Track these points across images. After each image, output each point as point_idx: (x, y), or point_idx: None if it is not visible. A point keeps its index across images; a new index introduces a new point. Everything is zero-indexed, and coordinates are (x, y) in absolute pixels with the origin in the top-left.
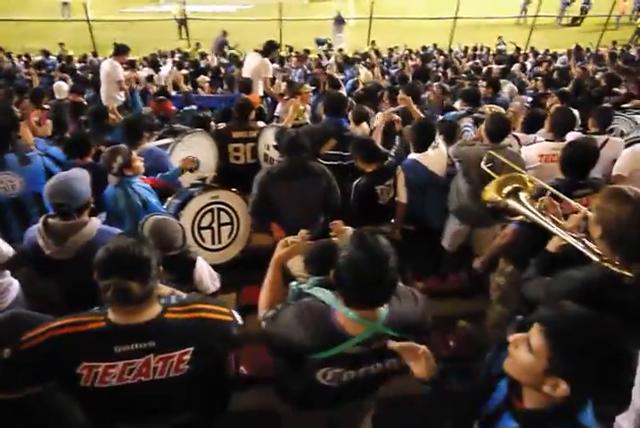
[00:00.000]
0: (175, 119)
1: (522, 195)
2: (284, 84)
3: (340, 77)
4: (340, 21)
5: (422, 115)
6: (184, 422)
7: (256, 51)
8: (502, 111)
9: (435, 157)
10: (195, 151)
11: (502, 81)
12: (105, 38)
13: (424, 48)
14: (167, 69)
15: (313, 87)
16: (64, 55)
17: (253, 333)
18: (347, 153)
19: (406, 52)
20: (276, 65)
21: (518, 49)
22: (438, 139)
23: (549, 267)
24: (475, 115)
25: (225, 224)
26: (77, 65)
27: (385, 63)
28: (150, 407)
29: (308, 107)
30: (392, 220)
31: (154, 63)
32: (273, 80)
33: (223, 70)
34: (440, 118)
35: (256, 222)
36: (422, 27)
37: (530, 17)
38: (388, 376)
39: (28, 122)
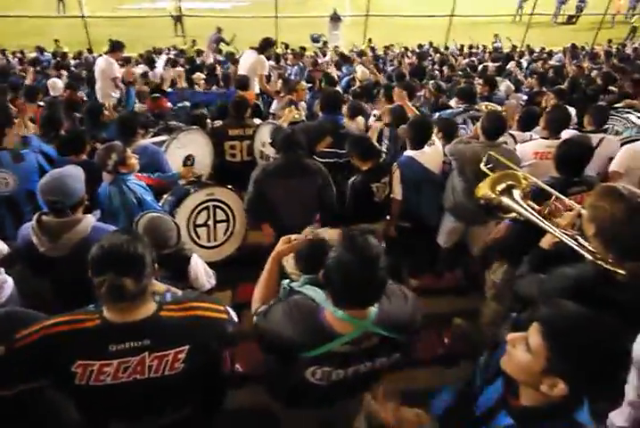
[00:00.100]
0: (170, 117)
1: (516, 193)
2: (280, 81)
3: (337, 73)
4: (336, 19)
5: (417, 112)
6: (180, 420)
7: (252, 48)
8: (498, 108)
9: (431, 154)
10: (190, 148)
11: (499, 79)
12: (100, 35)
13: (420, 46)
14: (161, 64)
15: (309, 85)
16: (59, 52)
17: (248, 331)
18: (343, 151)
19: (402, 49)
20: (272, 62)
21: (514, 47)
22: (434, 136)
23: (542, 264)
24: (471, 112)
25: (221, 221)
26: (72, 62)
27: (381, 61)
28: (145, 406)
29: (304, 104)
30: (387, 217)
31: (149, 60)
32: (268, 77)
33: (219, 68)
34: (436, 115)
35: (250, 220)
36: (418, 24)
37: (526, 15)
38: (378, 375)
39: (22, 119)
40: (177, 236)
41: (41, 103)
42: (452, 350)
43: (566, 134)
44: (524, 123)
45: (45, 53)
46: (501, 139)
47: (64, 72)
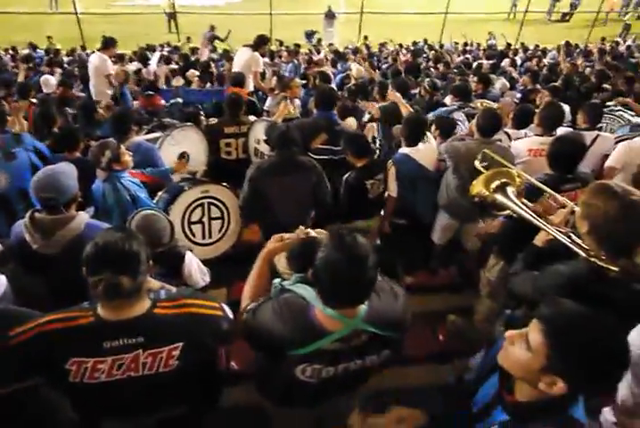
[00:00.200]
0: (164, 114)
1: (510, 190)
2: (274, 78)
3: (332, 70)
4: (330, 16)
5: (411, 110)
6: (175, 417)
7: (246, 45)
8: (494, 106)
9: (426, 151)
10: (184, 145)
11: (494, 77)
12: (93, 32)
13: (415, 43)
14: (154, 61)
15: (303, 82)
16: (52, 49)
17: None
18: (337, 148)
19: (397, 47)
20: (267, 59)
21: (508, 45)
22: (429, 134)
23: (536, 261)
24: (466, 110)
25: (216, 218)
26: (65, 59)
27: (375, 58)
28: (139, 403)
29: (298, 102)
30: (382, 213)
31: (143, 57)
32: (263, 75)
33: (213, 65)
34: (431, 114)
35: (244, 218)
36: (412, 22)
37: (520, 13)
38: (369, 373)
39: (16, 117)
40: (171, 234)
41: (34, 100)
42: (446, 347)
43: (561, 132)
44: (518, 121)
45: (38, 50)
46: (496, 137)
47: (57, 69)
